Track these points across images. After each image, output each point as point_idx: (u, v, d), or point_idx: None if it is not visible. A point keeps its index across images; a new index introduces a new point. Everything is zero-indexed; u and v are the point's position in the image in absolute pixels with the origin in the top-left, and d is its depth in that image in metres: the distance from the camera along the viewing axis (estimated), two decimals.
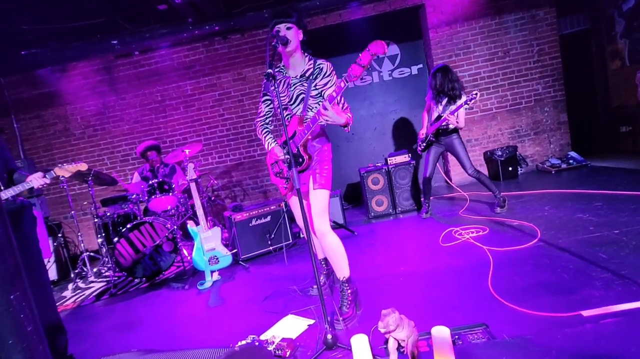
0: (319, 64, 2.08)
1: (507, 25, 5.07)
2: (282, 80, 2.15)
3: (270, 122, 2.29)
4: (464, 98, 3.40)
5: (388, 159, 4.35)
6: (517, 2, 5.01)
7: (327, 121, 1.87)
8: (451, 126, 3.51)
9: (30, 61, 4.60)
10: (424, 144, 3.75)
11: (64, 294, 3.73)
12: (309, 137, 2.05)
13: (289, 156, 1.82)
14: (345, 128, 2.00)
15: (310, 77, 2.07)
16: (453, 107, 3.41)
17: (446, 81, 3.44)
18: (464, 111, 3.44)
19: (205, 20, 4.46)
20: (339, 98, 1.95)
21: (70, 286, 3.83)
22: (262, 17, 4.43)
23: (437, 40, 5.10)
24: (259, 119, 2.28)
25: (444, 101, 3.50)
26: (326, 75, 2.07)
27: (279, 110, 1.91)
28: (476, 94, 3.30)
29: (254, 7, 4.54)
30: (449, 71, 3.47)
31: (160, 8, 4.19)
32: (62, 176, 2.40)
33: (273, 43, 1.89)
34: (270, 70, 1.75)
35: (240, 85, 5.25)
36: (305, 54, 2.11)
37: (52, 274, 4.14)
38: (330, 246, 2.08)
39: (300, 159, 2.06)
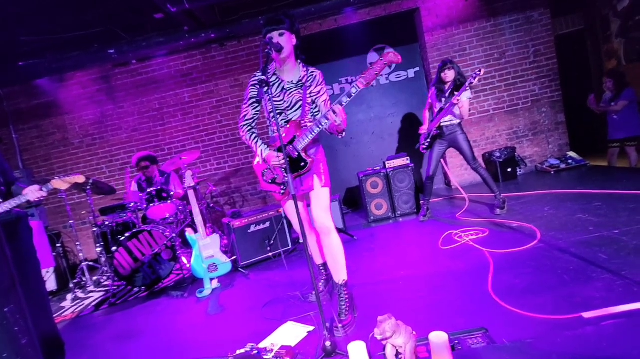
0: (312, 72, 2.10)
1: (503, 27, 5.09)
2: (277, 83, 2.12)
3: (255, 126, 2.21)
4: (468, 93, 3.43)
5: (386, 162, 4.34)
6: (511, 4, 5.04)
7: (335, 123, 1.87)
8: (455, 121, 3.53)
9: (29, 72, 4.63)
10: (428, 142, 3.70)
11: (62, 304, 3.71)
12: (311, 141, 2.04)
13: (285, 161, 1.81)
14: (340, 135, 2.00)
15: (306, 84, 2.08)
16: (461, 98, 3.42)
17: (456, 73, 3.48)
18: (468, 102, 3.45)
19: (202, 28, 4.49)
20: (327, 99, 2.11)
21: (69, 296, 3.82)
22: (258, 24, 4.45)
23: (433, 44, 5.12)
24: (244, 123, 2.16)
25: (447, 94, 3.52)
26: (319, 83, 2.10)
27: (271, 115, 1.90)
28: (480, 70, 3.25)
29: (249, 14, 4.57)
30: (451, 63, 3.51)
31: (157, 17, 4.22)
32: (58, 189, 2.39)
33: (266, 50, 1.88)
34: (264, 77, 1.75)
35: (238, 92, 5.27)
36: (298, 61, 2.11)
37: (51, 284, 4.12)
38: (332, 244, 2.10)
39: (302, 164, 2.04)
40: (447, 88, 3.53)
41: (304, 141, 2.00)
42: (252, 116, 2.16)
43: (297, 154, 2.03)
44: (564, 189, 3.91)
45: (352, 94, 1.83)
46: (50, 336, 1.96)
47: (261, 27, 2.03)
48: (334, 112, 1.83)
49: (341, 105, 1.83)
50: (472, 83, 3.30)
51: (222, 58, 5.22)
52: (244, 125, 2.17)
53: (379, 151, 5.50)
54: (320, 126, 1.94)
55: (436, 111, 3.61)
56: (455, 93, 3.42)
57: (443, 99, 3.54)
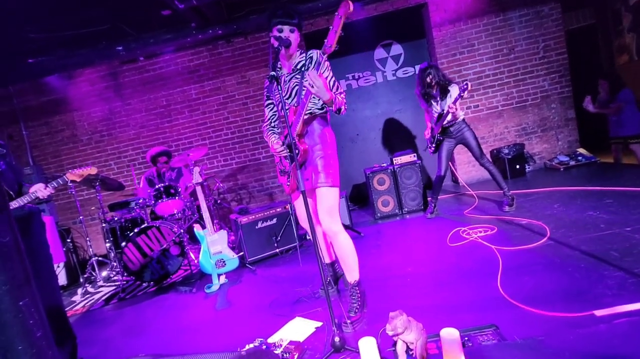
0: (309, 54, 2.05)
1: (512, 21, 5.02)
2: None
3: (276, 126, 2.29)
4: (456, 88, 3.41)
5: (393, 159, 4.32)
6: None
7: (311, 88, 1.83)
8: (458, 119, 3.51)
9: (38, 69, 4.66)
10: (434, 145, 3.72)
11: (73, 299, 3.76)
12: (303, 124, 2.00)
13: (286, 149, 1.82)
14: (332, 107, 1.94)
15: (303, 69, 2.05)
16: (450, 100, 3.42)
17: (437, 75, 3.47)
18: (458, 102, 3.44)
19: (209, 24, 4.49)
20: (329, 77, 2.01)
21: (80, 290, 3.87)
22: (264, 20, 4.42)
23: (440, 39, 5.07)
24: (265, 124, 2.28)
25: (438, 97, 3.53)
26: (317, 62, 2.02)
27: (280, 108, 1.89)
28: (467, 83, 3.26)
29: (256, 10, 4.55)
30: (431, 67, 3.50)
31: (164, 13, 4.22)
32: (74, 181, 2.43)
33: (275, 46, 1.88)
34: (273, 73, 1.74)
35: (245, 88, 5.27)
36: (298, 50, 2.10)
37: (62, 279, 4.18)
38: (342, 246, 2.05)
39: (296, 151, 1.98)
40: (434, 92, 3.54)
41: (297, 126, 1.97)
42: (269, 117, 2.27)
43: (294, 141, 1.99)
44: (574, 186, 3.86)
45: (320, 62, 1.86)
46: (62, 330, 1.99)
47: (270, 16, 1.98)
48: (309, 83, 1.81)
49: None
50: (462, 96, 3.30)
51: (228, 54, 5.22)
52: (265, 126, 2.28)
53: (386, 147, 5.48)
54: (306, 106, 1.92)
55: (435, 116, 3.60)
56: (446, 98, 3.45)
57: (435, 103, 3.56)
